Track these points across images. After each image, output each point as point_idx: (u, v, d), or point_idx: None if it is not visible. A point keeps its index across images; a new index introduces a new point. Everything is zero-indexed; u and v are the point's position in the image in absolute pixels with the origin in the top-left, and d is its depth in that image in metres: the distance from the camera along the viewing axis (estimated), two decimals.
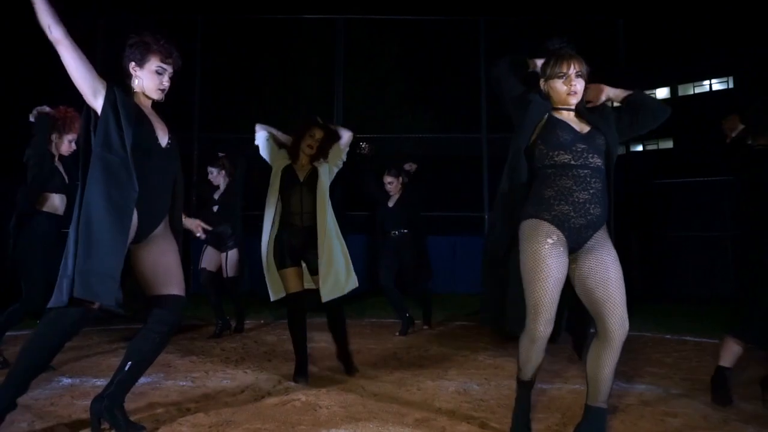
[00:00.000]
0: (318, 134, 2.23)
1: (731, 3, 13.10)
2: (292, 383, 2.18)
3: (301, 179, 2.21)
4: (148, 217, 1.47)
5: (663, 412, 1.85)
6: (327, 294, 2.14)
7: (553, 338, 1.45)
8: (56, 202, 2.37)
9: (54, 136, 2.39)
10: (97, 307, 1.40)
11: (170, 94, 1.60)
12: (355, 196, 5.13)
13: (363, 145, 3.47)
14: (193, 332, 3.32)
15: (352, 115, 6.99)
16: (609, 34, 6.11)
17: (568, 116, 1.49)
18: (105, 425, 1.57)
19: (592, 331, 1.52)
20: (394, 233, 3.36)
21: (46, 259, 2.23)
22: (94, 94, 1.43)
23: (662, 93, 19.77)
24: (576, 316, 1.55)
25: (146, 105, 1.54)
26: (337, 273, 2.15)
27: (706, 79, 18.69)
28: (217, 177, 3.35)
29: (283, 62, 8.36)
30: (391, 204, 3.42)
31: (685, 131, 17.37)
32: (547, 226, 1.41)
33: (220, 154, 3.41)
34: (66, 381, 2.18)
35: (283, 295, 2.22)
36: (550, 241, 1.39)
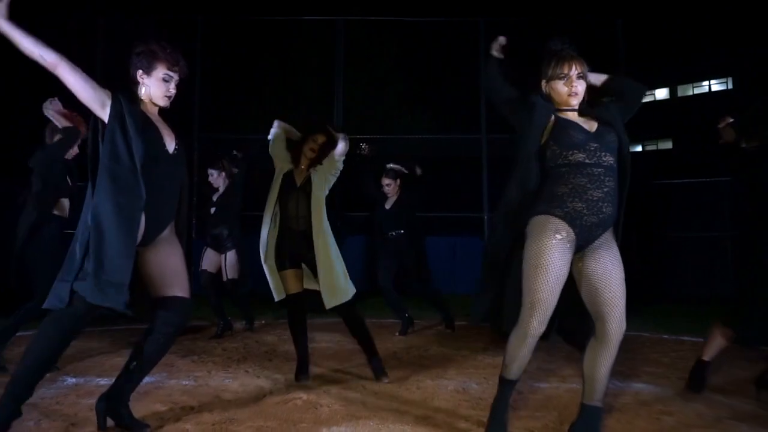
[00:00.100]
0: (320, 139, 2.27)
1: (731, 3, 13.12)
2: (294, 382, 2.21)
3: (298, 184, 2.24)
4: (155, 221, 1.50)
5: (659, 411, 1.88)
6: (329, 301, 2.15)
7: (545, 335, 1.46)
8: (65, 205, 2.43)
9: (57, 137, 2.42)
10: (104, 308, 1.42)
11: None
12: (354, 197, 5.16)
13: (363, 145, 3.49)
14: (195, 333, 3.35)
15: (352, 115, 7.02)
16: (608, 35, 6.14)
17: (573, 116, 1.50)
18: (110, 423, 1.60)
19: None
20: (392, 234, 3.39)
21: (57, 260, 2.26)
22: (102, 106, 1.45)
23: (662, 93, 19.79)
24: (573, 315, 1.55)
25: (153, 112, 1.56)
26: (337, 278, 2.16)
27: (705, 80, 18.71)
28: (217, 179, 3.37)
29: (283, 62, 8.38)
30: (388, 206, 3.45)
31: (684, 132, 17.42)
32: (557, 222, 1.40)
33: (233, 153, 3.41)
34: (71, 380, 2.20)
35: (282, 297, 2.25)
36: (558, 236, 1.39)
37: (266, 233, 2.22)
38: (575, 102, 1.49)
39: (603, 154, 1.43)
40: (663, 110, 18.99)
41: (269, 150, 2.33)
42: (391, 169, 3.45)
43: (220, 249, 3.32)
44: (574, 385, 2.16)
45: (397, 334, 3.38)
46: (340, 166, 2.28)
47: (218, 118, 6.66)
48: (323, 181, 2.23)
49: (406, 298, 3.63)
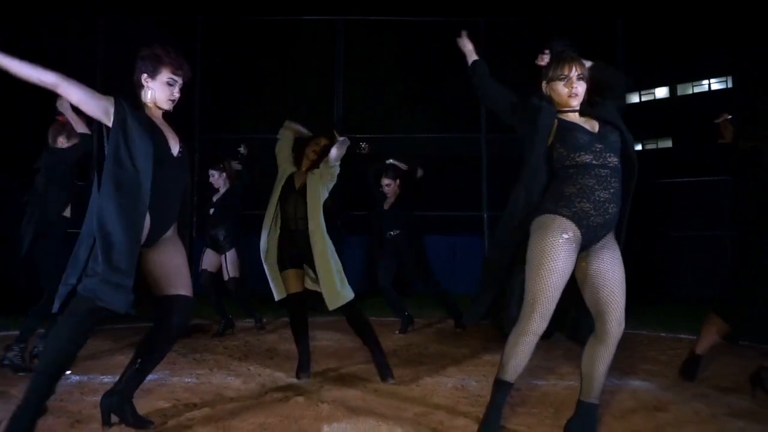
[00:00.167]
0: (323, 141, 2.29)
1: (730, 3, 13.12)
2: (295, 379, 2.24)
3: (297, 187, 2.27)
4: (159, 223, 1.52)
5: (654, 407, 1.91)
6: (331, 302, 2.16)
7: (547, 334, 1.47)
8: (69, 206, 2.45)
9: (61, 140, 2.44)
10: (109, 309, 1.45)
11: None
12: (354, 197, 5.18)
13: (363, 144, 3.51)
14: (197, 331, 3.38)
15: (352, 115, 7.04)
16: (608, 35, 6.15)
17: (575, 117, 1.51)
18: (115, 420, 1.63)
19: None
20: (390, 234, 3.41)
21: (64, 260, 2.29)
22: (106, 114, 1.48)
23: (661, 92, 19.81)
24: (577, 311, 1.56)
25: (157, 116, 1.59)
26: (338, 278, 2.17)
27: (705, 79, 18.72)
28: (218, 180, 3.39)
29: (283, 62, 8.39)
30: (387, 206, 3.47)
31: (684, 131, 17.43)
32: (565, 222, 1.41)
33: (239, 151, 3.41)
34: (74, 378, 2.23)
35: (284, 295, 2.27)
36: (565, 236, 1.40)
37: (266, 233, 2.25)
38: (575, 103, 1.50)
39: (608, 154, 1.45)
40: (663, 109, 19.00)
41: (275, 149, 2.34)
42: (391, 166, 3.46)
43: (219, 249, 3.34)
44: (571, 383, 2.18)
45: (397, 332, 3.41)
46: (336, 171, 2.27)
47: (218, 119, 6.68)
48: (319, 184, 2.23)
49: (405, 297, 3.66)
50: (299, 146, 2.32)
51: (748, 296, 2.02)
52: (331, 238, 2.25)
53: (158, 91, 1.56)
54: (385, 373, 2.21)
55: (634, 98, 19.71)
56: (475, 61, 1.70)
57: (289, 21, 7.52)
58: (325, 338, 3.13)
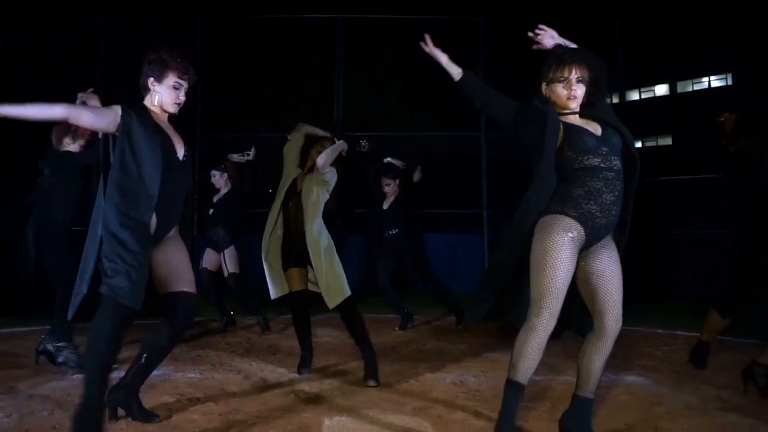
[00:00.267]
0: (327, 144, 2.32)
1: (730, 1, 13.11)
2: (296, 375, 2.28)
3: (298, 189, 2.30)
4: (163, 224, 1.56)
5: (648, 402, 1.95)
6: (330, 300, 2.18)
7: (556, 333, 1.47)
8: (73, 207, 2.49)
9: (67, 141, 2.47)
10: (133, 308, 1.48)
11: None
12: (353, 196, 5.21)
13: (363, 142, 3.53)
14: (199, 328, 3.42)
15: (352, 115, 7.06)
16: (608, 35, 6.16)
17: (576, 119, 1.54)
18: (121, 413, 1.67)
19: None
20: (389, 234, 3.45)
21: (72, 257, 2.34)
22: (115, 126, 1.52)
23: (661, 90, 19.80)
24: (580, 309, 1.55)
25: (163, 119, 1.62)
26: (332, 278, 2.19)
27: (704, 76, 18.71)
28: (219, 180, 3.41)
29: (283, 62, 8.41)
30: (386, 205, 3.50)
31: (684, 128, 17.43)
32: (570, 221, 1.43)
33: (247, 154, 3.40)
34: (80, 373, 2.27)
35: (281, 293, 2.30)
36: (570, 235, 1.41)
37: (268, 233, 2.28)
38: (574, 105, 1.52)
39: (613, 157, 1.47)
40: (662, 106, 18.99)
41: (284, 149, 2.36)
42: (390, 165, 3.49)
43: (218, 248, 3.38)
44: (568, 378, 2.22)
45: (396, 329, 3.45)
46: (327, 177, 2.26)
47: (218, 118, 6.71)
48: (317, 186, 2.25)
49: (405, 294, 3.70)
50: (306, 148, 2.33)
51: (748, 295, 2.04)
52: (332, 236, 2.27)
53: (165, 95, 1.59)
54: (369, 375, 2.16)
55: (634, 95, 19.70)
56: (463, 76, 1.59)
57: (289, 20, 7.53)
58: (326, 335, 3.17)
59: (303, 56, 8.40)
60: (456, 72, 1.59)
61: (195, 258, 3.60)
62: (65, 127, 2.47)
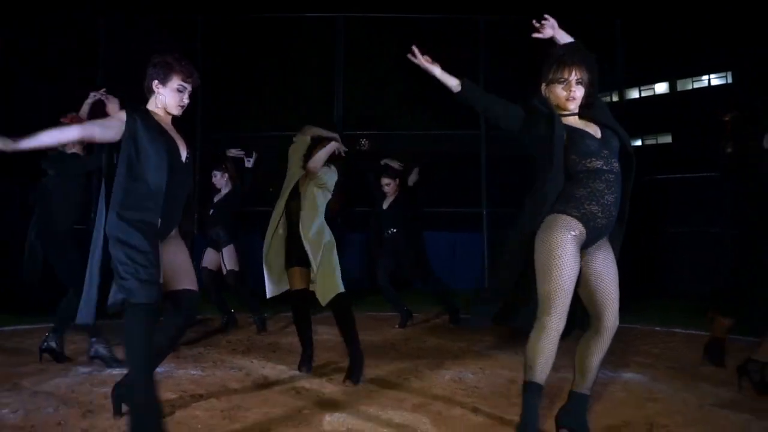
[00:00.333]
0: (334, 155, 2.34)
1: (730, 0, 13.10)
2: (297, 372, 2.31)
3: (300, 190, 2.32)
4: (166, 225, 1.59)
5: (645, 398, 1.97)
6: (321, 297, 2.20)
7: (566, 332, 1.47)
8: (77, 210, 2.53)
9: (72, 144, 2.49)
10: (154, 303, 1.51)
11: None
12: (354, 194, 5.24)
13: (363, 141, 3.55)
14: (200, 326, 3.45)
15: (352, 115, 7.07)
16: (607, 34, 6.17)
17: (575, 121, 1.55)
18: (125, 409, 1.69)
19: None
20: (388, 233, 3.48)
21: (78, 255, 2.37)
22: (122, 133, 1.54)
23: (661, 88, 19.79)
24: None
25: (166, 122, 1.65)
26: (330, 274, 2.20)
27: (704, 75, 18.70)
28: (220, 180, 3.43)
29: (283, 62, 8.41)
30: (386, 205, 3.53)
31: (683, 126, 17.44)
32: (572, 221, 1.45)
33: (234, 153, 3.42)
34: (83, 370, 2.31)
35: (276, 293, 2.31)
36: (573, 233, 1.43)
37: (270, 233, 2.29)
38: (573, 106, 1.54)
39: (613, 160, 1.50)
40: (662, 105, 18.99)
41: (289, 150, 2.36)
42: (386, 166, 3.52)
43: (218, 248, 3.40)
44: (566, 374, 2.24)
45: (396, 326, 3.48)
46: (324, 180, 2.27)
47: (218, 118, 6.73)
48: (313, 189, 2.26)
49: (405, 293, 3.72)
50: (311, 149, 2.34)
51: (748, 295, 2.06)
52: (333, 235, 2.29)
53: (169, 97, 1.62)
54: (350, 374, 2.13)
55: (634, 94, 19.70)
56: (462, 87, 1.54)
57: (289, 19, 7.54)
58: (326, 333, 3.19)
59: (303, 56, 8.40)
60: (454, 83, 1.54)
61: (196, 257, 3.63)
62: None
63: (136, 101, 1.81)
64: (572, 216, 1.46)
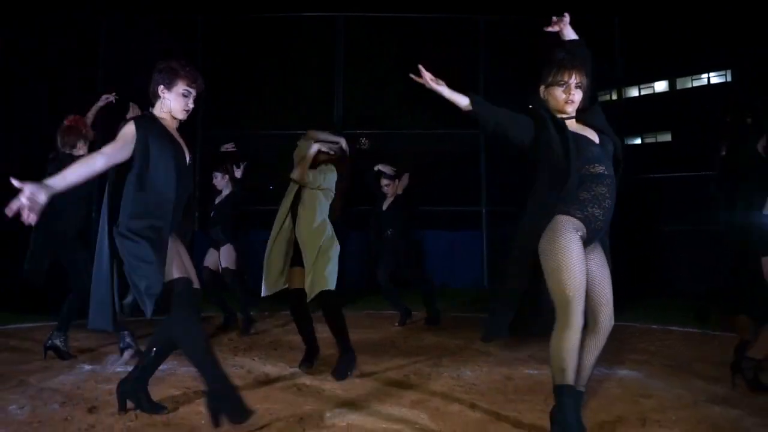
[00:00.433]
0: (333, 156, 2.37)
1: None
2: (297, 369, 2.34)
3: (301, 191, 2.34)
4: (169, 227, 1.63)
5: (639, 395, 2.01)
6: (308, 291, 2.21)
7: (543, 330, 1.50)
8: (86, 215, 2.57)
9: (80, 145, 2.52)
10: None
11: None
12: (354, 193, 5.27)
13: (363, 140, 3.57)
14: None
15: (352, 115, 7.10)
16: (607, 33, 6.18)
17: (572, 124, 1.57)
18: (130, 406, 1.74)
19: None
20: (388, 233, 3.53)
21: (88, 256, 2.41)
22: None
23: (661, 86, 19.78)
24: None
25: (171, 126, 1.68)
26: (320, 270, 2.22)
27: (704, 73, 18.69)
28: (221, 182, 3.45)
29: (283, 61, 8.43)
30: (385, 206, 3.58)
31: (683, 124, 17.44)
32: (576, 222, 1.48)
33: (226, 148, 3.44)
34: (87, 368, 2.34)
35: (270, 292, 2.33)
36: (579, 233, 1.47)
37: (274, 233, 2.32)
38: (571, 110, 1.56)
39: (609, 164, 1.54)
40: (662, 103, 18.99)
41: (294, 153, 2.38)
42: (380, 171, 3.56)
43: (218, 248, 3.43)
44: None
45: (396, 324, 3.52)
46: (317, 184, 2.28)
47: (219, 118, 6.76)
48: (312, 191, 2.28)
49: (404, 292, 3.76)
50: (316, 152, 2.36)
51: (748, 294, 2.09)
52: (336, 236, 2.31)
53: (174, 102, 1.65)
54: (335, 371, 2.16)
55: (634, 92, 19.69)
56: (472, 104, 1.49)
57: (289, 19, 7.56)
58: (326, 330, 3.22)
59: (303, 56, 8.42)
60: (464, 102, 1.49)
61: (199, 257, 3.66)
62: (78, 132, 2.52)
63: (136, 101, 1.85)
64: (576, 217, 1.49)
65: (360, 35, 8.19)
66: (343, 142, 2.38)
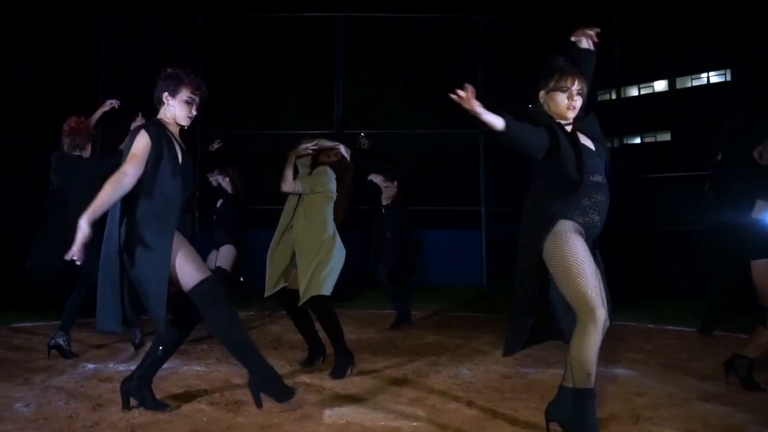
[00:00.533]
0: (333, 152, 2.39)
1: None
2: (298, 367, 2.38)
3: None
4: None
5: (632, 392, 2.04)
6: (301, 295, 2.23)
7: (548, 337, 1.56)
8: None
9: (87, 146, 2.55)
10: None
11: None
12: (355, 193, 5.29)
13: (363, 140, 3.60)
14: (203, 324, 3.51)
15: (352, 115, 7.12)
16: (606, 33, 6.21)
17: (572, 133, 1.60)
18: (133, 403, 1.77)
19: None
20: (389, 234, 3.57)
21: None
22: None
23: (660, 85, 19.79)
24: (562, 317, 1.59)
25: (174, 132, 1.72)
26: (315, 274, 2.23)
27: (703, 72, 18.70)
28: (222, 184, 3.50)
29: (283, 62, 8.46)
30: (385, 207, 3.63)
31: (683, 124, 17.46)
32: (578, 227, 1.53)
33: (213, 147, 3.46)
34: (90, 366, 2.38)
35: (271, 292, 2.35)
36: (582, 236, 1.52)
37: (279, 234, 2.34)
38: (571, 116, 1.58)
39: (603, 173, 1.58)
40: (662, 102, 19.01)
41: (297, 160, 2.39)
42: (390, 167, 3.59)
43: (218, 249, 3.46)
44: (558, 371, 2.30)
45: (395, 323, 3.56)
46: (309, 190, 2.30)
47: (219, 118, 6.79)
48: (309, 195, 2.31)
49: (405, 289, 3.79)
50: (315, 156, 2.38)
51: (742, 297, 2.11)
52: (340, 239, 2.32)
53: (178, 109, 1.69)
54: (333, 369, 2.21)
55: (633, 91, 19.71)
56: (507, 125, 1.45)
57: (289, 19, 7.58)
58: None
59: (303, 56, 8.44)
60: (500, 125, 1.45)
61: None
62: (87, 134, 2.56)
63: (135, 101, 1.89)
64: (578, 222, 1.53)
65: (360, 35, 8.22)
66: (342, 148, 2.39)
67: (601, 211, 1.55)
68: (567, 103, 1.56)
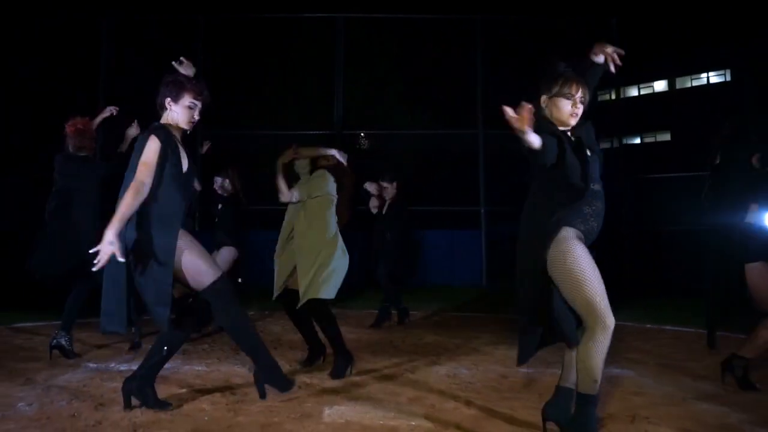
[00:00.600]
0: (331, 158, 2.41)
1: None
2: (298, 367, 2.40)
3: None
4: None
5: (630, 392, 2.06)
6: (300, 297, 2.25)
7: (549, 341, 1.56)
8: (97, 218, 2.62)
9: (92, 147, 2.57)
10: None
11: None
12: (355, 193, 5.31)
13: (363, 140, 3.62)
14: (204, 324, 3.52)
15: (352, 115, 7.14)
16: (605, 33, 6.22)
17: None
18: (135, 403, 1.79)
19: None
20: (389, 235, 3.59)
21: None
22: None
23: (660, 86, 19.80)
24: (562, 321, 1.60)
25: (177, 136, 1.74)
26: (314, 277, 2.24)
27: (703, 72, 18.70)
28: (223, 186, 3.51)
29: (283, 62, 8.47)
30: (385, 207, 3.65)
31: (683, 124, 17.47)
32: (579, 233, 1.54)
33: (206, 144, 3.48)
34: (92, 366, 2.40)
35: (277, 293, 2.37)
36: (583, 242, 1.54)
37: (284, 237, 2.35)
38: (573, 122, 1.59)
39: (599, 179, 1.60)
40: (661, 102, 19.01)
41: (295, 165, 2.42)
42: (388, 169, 3.60)
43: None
44: (556, 371, 2.32)
45: (395, 323, 3.57)
46: (307, 196, 2.32)
47: (219, 118, 6.81)
48: (321, 204, 2.33)
49: (405, 290, 3.82)
50: (314, 160, 2.41)
51: (739, 297, 2.13)
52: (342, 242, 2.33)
53: (180, 114, 1.71)
54: (334, 370, 2.23)
55: (633, 91, 19.71)
56: (543, 144, 1.46)
57: (289, 19, 7.60)
58: None
59: (303, 56, 8.45)
60: (538, 142, 1.45)
61: None
62: (91, 136, 2.57)
63: (135, 101, 1.90)
64: (579, 230, 1.55)
65: (360, 35, 8.23)
66: (337, 154, 2.40)
67: (599, 219, 1.58)
68: (570, 110, 1.56)
